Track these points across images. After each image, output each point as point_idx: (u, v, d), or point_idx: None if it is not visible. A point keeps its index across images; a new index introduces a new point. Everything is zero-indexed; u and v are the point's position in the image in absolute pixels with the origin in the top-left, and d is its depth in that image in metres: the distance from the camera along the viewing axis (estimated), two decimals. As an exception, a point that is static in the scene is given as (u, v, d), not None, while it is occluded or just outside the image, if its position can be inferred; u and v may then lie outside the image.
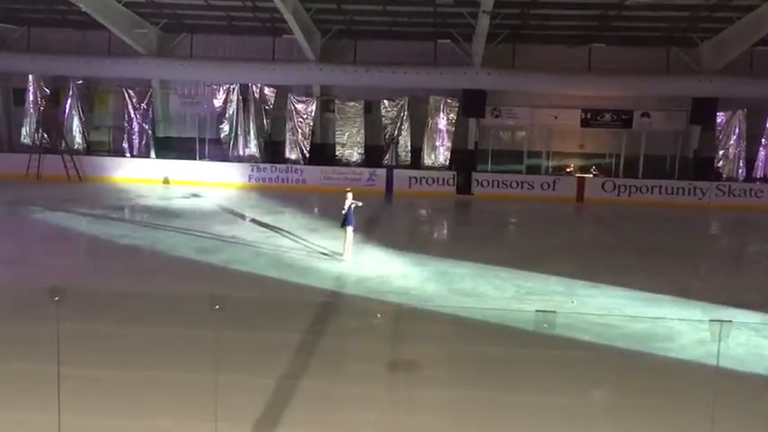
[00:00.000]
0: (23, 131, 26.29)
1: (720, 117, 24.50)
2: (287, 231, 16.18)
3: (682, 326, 9.37)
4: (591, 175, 25.32)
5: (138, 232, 16.29)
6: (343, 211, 13.29)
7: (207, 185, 24.25)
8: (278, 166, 25.27)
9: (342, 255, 13.53)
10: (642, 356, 8.45)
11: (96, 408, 6.45)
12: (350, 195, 13.48)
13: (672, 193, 23.98)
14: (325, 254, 13.86)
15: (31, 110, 26.08)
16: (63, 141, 25.29)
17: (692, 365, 8.07)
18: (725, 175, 24.73)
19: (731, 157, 24.72)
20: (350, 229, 13.36)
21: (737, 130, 24.47)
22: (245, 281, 11.68)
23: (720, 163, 24.85)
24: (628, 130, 25.56)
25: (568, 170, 26.02)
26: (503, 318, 9.63)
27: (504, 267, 12.96)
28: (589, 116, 25.55)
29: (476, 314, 9.88)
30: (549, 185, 24.50)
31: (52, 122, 25.44)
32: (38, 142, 25.38)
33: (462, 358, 8.33)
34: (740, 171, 24.71)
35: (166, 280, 11.80)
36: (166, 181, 25.09)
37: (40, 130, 25.53)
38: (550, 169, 26.18)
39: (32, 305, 7.33)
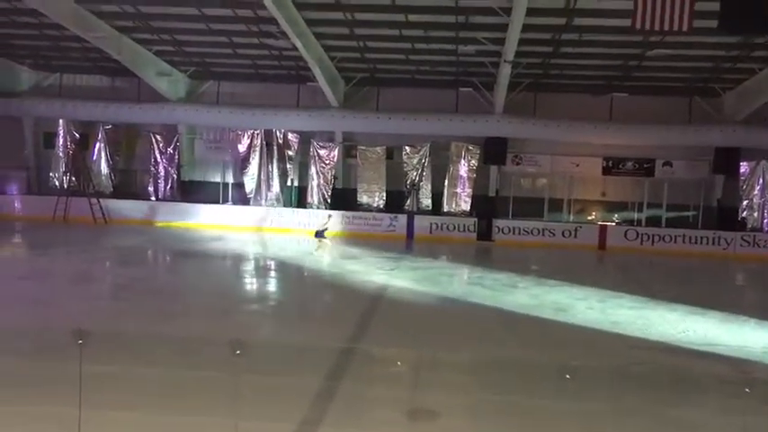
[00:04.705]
0: (52, 174, 26.89)
1: (744, 167, 24.38)
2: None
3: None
4: (613, 223, 25.21)
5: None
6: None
7: (230, 229, 24.52)
8: (300, 210, 25.51)
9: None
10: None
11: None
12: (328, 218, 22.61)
13: (695, 243, 23.72)
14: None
15: (61, 153, 26.71)
16: (90, 184, 25.78)
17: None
18: (749, 225, 24.46)
19: (756, 207, 24.50)
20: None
21: (761, 180, 24.30)
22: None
23: (745, 213, 24.61)
24: (650, 179, 25.53)
25: (590, 218, 25.93)
26: (524, 366, 9.50)
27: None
28: (611, 164, 25.60)
29: (498, 362, 9.77)
30: (570, 233, 24.38)
31: (80, 166, 25.98)
32: (66, 185, 25.89)
33: (483, 407, 8.20)
34: (765, 221, 24.43)
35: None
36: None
37: (69, 174, 26.08)
38: (572, 217, 26.14)
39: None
